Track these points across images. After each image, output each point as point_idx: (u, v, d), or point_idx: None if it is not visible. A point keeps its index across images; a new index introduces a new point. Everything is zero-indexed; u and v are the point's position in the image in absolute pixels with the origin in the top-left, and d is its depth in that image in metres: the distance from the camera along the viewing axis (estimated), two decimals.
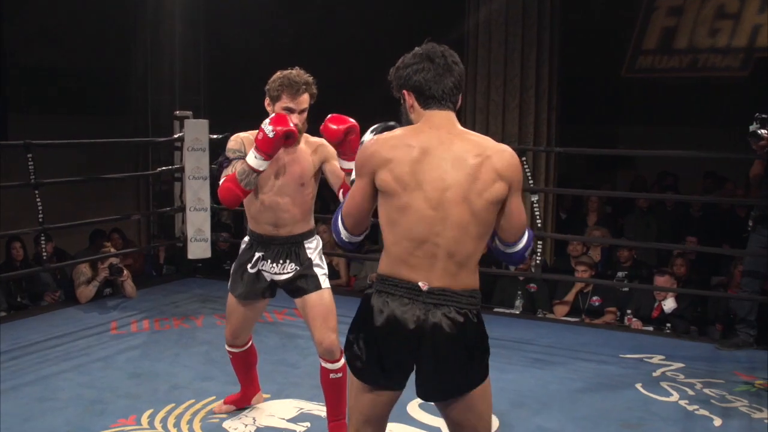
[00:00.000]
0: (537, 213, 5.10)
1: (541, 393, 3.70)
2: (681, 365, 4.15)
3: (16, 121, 6.95)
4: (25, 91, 7.32)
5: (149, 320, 4.83)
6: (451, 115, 2.01)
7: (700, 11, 7.79)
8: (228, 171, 2.79)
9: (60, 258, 5.80)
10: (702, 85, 7.95)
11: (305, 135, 2.90)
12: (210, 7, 7.79)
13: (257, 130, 2.73)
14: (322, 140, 2.88)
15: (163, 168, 6.07)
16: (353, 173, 2.09)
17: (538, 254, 5.16)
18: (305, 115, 2.83)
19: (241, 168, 2.73)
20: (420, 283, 1.95)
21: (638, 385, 3.82)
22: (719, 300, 5.07)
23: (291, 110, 2.77)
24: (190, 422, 3.24)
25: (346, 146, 2.73)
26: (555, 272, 5.75)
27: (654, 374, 4.01)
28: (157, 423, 3.23)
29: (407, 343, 1.97)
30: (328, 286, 2.96)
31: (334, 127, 2.70)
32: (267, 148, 2.68)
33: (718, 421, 3.40)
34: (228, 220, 7.46)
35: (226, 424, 3.22)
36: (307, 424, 3.25)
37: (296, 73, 2.80)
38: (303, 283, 2.91)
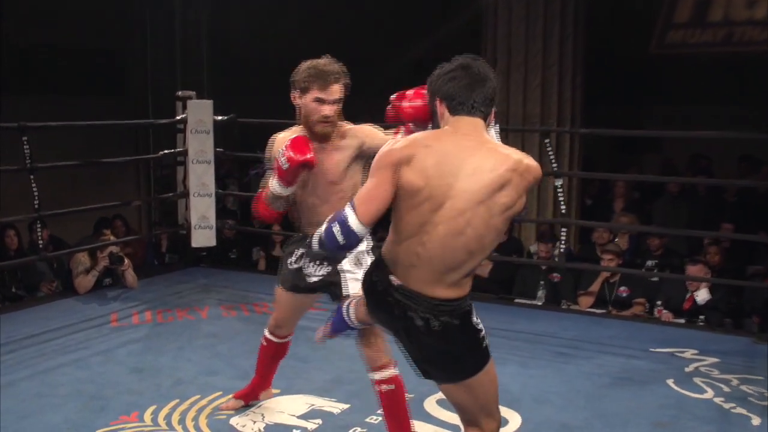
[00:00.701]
0: (561, 198, 5.04)
1: (565, 389, 3.67)
2: (715, 360, 4.09)
3: (10, 102, 6.95)
4: (20, 71, 7.34)
5: (151, 312, 4.83)
6: (478, 123, 2.05)
7: None
8: (264, 181, 2.80)
9: (57, 246, 5.81)
10: (738, 61, 7.83)
11: (339, 124, 2.79)
12: None
13: (297, 126, 2.71)
14: (353, 126, 2.80)
15: (165, 151, 6.05)
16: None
17: (562, 242, 5.12)
18: (339, 106, 2.73)
19: (268, 191, 2.73)
20: (392, 277, 2.07)
21: (670, 381, 3.77)
22: (756, 290, 5.01)
23: (322, 101, 2.69)
24: (195, 419, 3.24)
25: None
26: (580, 261, 5.71)
27: (686, 369, 3.96)
28: (160, 420, 3.22)
29: (392, 320, 2.13)
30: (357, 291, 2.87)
31: (415, 104, 2.46)
32: (285, 178, 2.64)
33: (756, 420, 3.35)
34: (234, 206, 7.46)
35: (233, 421, 3.21)
36: (319, 421, 3.24)
37: (325, 62, 2.71)
38: (335, 289, 2.85)
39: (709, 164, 7.49)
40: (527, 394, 3.51)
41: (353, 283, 2.75)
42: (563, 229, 5.12)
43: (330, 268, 2.81)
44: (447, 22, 7.79)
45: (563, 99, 6.48)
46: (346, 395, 3.48)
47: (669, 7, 7.82)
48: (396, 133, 2.64)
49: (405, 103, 2.48)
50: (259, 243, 6.70)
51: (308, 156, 2.59)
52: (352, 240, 2.07)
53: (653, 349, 4.28)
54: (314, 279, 2.87)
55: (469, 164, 1.97)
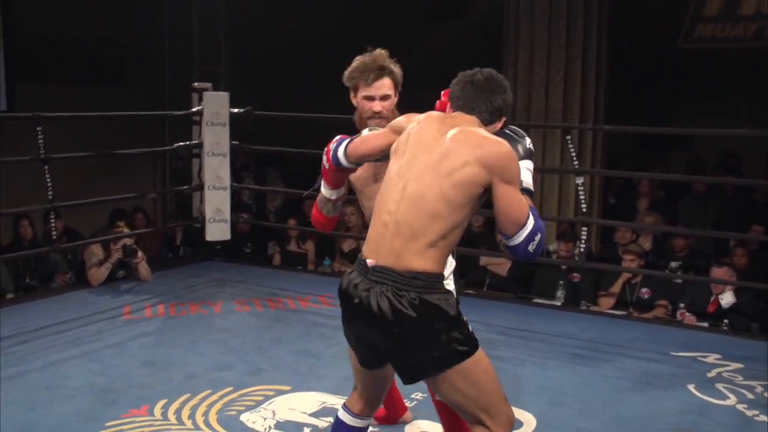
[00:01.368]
0: (582, 197, 5.02)
1: (583, 392, 3.65)
2: (739, 366, 4.05)
3: (25, 92, 7.03)
4: (35, 61, 7.40)
5: (164, 305, 4.88)
6: (473, 119, 2.17)
7: None
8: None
9: (71, 238, 5.88)
10: None
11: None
12: None
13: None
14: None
15: (181, 144, 6.10)
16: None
17: (582, 241, 5.09)
18: (391, 101, 2.67)
19: (320, 195, 2.65)
20: (368, 260, 2.12)
21: (691, 386, 3.75)
22: None
23: (371, 98, 2.66)
24: (205, 414, 3.27)
25: None
26: (600, 261, 5.68)
27: (709, 375, 3.93)
28: (170, 414, 3.26)
29: (356, 318, 2.15)
30: None
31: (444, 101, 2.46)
32: (328, 179, 2.56)
33: None
34: (249, 200, 7.50)
35: (243, 417, 3.24)
36: (330, 419, 3.24)
37: (371, 57, 2.67)
38: None
39: (739, 163, 7.40)
40: (543, 395, 3.50)
41: None
42: (584, 228, 5.09)
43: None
44: (469, 15, 7.77)
45: (586, 94, 6.44)
46: None
47: (698, 1, 7.72)
48: None
49: (442, 99, 2.55)
50: (274, 238, 6.74)
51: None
52: (338, 165, 2.40)
53: (675, 353, 4.25)
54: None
55: (438, 135, 2.15)
